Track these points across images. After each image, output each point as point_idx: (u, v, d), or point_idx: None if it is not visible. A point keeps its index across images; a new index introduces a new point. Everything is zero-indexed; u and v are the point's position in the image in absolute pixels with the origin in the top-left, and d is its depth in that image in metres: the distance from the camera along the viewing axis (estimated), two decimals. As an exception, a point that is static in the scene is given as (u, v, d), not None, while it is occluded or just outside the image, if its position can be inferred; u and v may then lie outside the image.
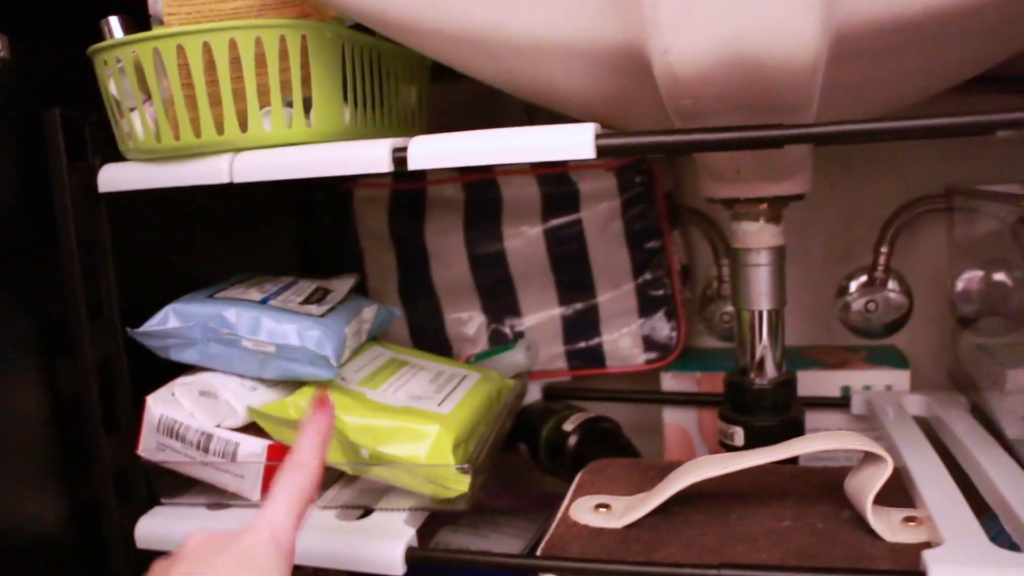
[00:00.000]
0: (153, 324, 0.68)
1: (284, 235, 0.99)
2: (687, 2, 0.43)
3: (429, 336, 1.01)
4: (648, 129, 0.53)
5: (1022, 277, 0.82)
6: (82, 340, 0.67)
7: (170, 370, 0.70)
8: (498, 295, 1.01)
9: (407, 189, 1.00)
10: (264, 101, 0.59)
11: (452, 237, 0.99)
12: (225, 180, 0.59)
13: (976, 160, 0.91)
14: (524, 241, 0.98)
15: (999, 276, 0.86)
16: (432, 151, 0.54)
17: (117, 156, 0.66)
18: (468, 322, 1.02)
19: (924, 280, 0.95)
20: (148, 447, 0.69)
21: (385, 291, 1.02)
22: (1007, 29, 0.55)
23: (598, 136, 0.51)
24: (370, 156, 0.55)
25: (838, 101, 0.58)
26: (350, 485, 0.69)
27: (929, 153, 0.92)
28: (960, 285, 0.90)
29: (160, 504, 0.71)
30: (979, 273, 0.89)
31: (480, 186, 0.98)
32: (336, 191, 1.03)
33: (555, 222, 0.97)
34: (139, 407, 0.69)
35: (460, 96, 0.91)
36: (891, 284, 0.95)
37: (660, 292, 0.97)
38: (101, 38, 0.64)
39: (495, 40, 0.53)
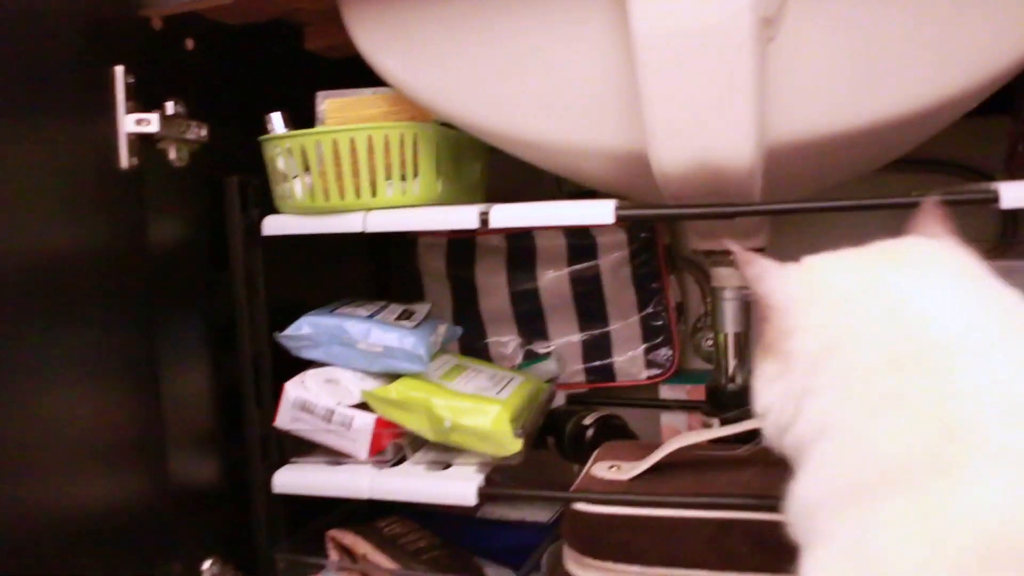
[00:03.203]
0: (292, 330, 0.95)
1: (364, 270, 1.27)
2: (672, 132, 0.71)
3: (476, 353, 1.28)
4: (649, 203, 0.81)
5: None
6: (242, 341, 0.94)
7: (299, 364, 0.97)
8: (531, 323, 1.28)
9: (461, 238, 1.28)
10: (387, 175, 0.87)
11: (496, 277, 1.26)
12: (359, 230, 0.86)
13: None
14: (553, 281, 1.25)
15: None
16: (504, 215, 0.82)
17: (272, 209, 0.93)
18: (506, 343, 1.29)
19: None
20: (284, 420, 0.95)
21: (441, 317, 1.30)
22: (905, 135, 0.82)
23: (617, 208, 0.78)
24: (463, 217, 0.83)
25: (787, 183, 0.85)
26: (433, 449, 0.95)
27: (868, 218, 1.19)
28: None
29: (290, 462, 0.97)
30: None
31: (519, 237, 1.25)
32: (404, 238, 1.30)
33: (577, 267, 1.24)
34: (278, 391, 0.96)
35: (507, 164, 1.19)
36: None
37: (660, 323, 1.24)
38: (265, 125, 0.92)
39: (542, 143, 0.81)
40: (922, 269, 0.54)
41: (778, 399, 0.55)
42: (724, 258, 0.98)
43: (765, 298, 0.57)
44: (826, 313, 0.54)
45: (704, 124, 0.71)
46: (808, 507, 0.51)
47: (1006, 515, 0.42)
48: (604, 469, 0.90)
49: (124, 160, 0.78)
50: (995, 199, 0.72)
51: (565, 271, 1.25)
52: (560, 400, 1.23)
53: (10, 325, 0.67)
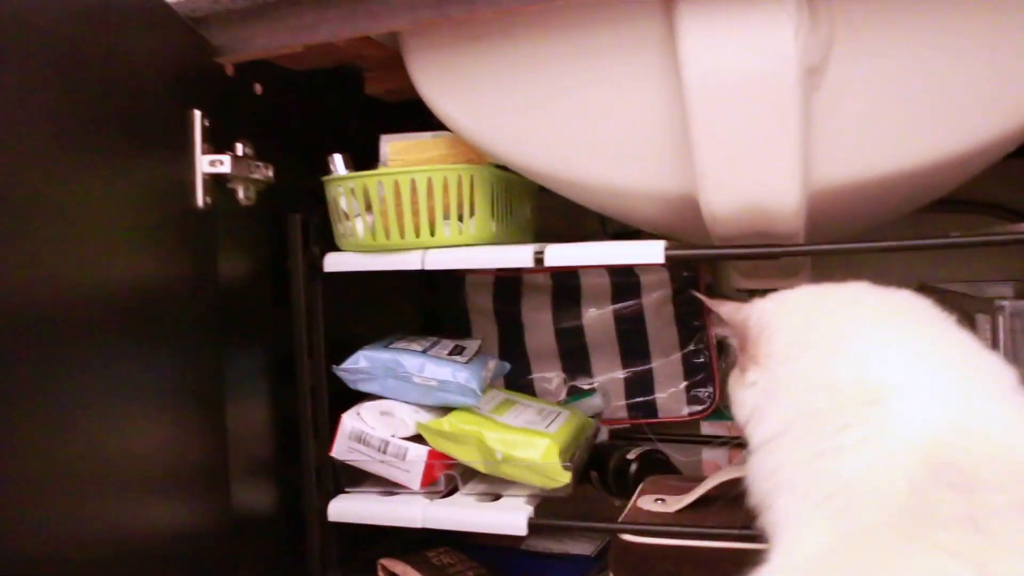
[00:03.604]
0: (349, 364, 0.99)
1: (414, 306, 1.31)
2: (721, 176, 0.75)
3: (521, 388, 1.31)
4: (695, 243, 0.85)
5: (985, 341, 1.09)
6: (301, 373, 0.98)
7: (354, 396, 1.00)
8: (575, 359, 1.31)
9: (508, 276, 1.32)
10: (445, 215, 0.90)
11: (542, 314, 1.30)
12: (418, 268, 0.90)
13: (945, 262, 1.20)
14: (597, 318, 1.28)
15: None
16: (558, 254, 0.85)
17: (332, 246, 0.97)
18: (551, 379, 1.32)
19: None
20: (340, 450, 0.99)
21: (489, 353, 1.33)
22: (946, 179, 0.85)
23: (667, 249, 0.82)
24: (518, 256, 0.86)
25: (830, 223, 0.88)
26: (483, 481, 0.98)
27: (904, 257, 1.21)
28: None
29: (344, 492, 1.00)
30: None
31: (565, 275, 1.29)
32: (453, 276, 1.34)
33: (621, 305, 1.27)
34: (334, 422, 0.99)
35: (553, 203, 1.23)
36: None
37: (701, 360, 1.27)
38: (326, 165, 0.96)
39: (595, 185, 0.85)
40: (873, 311, 0.66)
41: (757, 397, 0.65)
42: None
43: (744, 322, 0.68)
44: (792, 329, 0.66)
45: (752, 169, 0.75)
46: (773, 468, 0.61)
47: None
48: (650, 502, 0.93)
49: (200, 199, 0.83)
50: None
51: (609, 309, 1.28)
52: (603, 435, 1.26)
53: (93, 352, 0.70)
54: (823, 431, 0.58)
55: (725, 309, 0.71)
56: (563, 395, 1.31)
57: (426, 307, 1.34)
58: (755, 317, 0.68)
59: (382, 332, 1.09)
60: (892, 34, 0.73)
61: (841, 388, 0.59)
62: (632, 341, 1.28)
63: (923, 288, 1.20)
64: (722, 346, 1.29)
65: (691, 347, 1.27)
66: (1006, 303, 0.79)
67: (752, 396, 0.66)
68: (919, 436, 0.54)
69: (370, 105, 1.12)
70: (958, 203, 1.18)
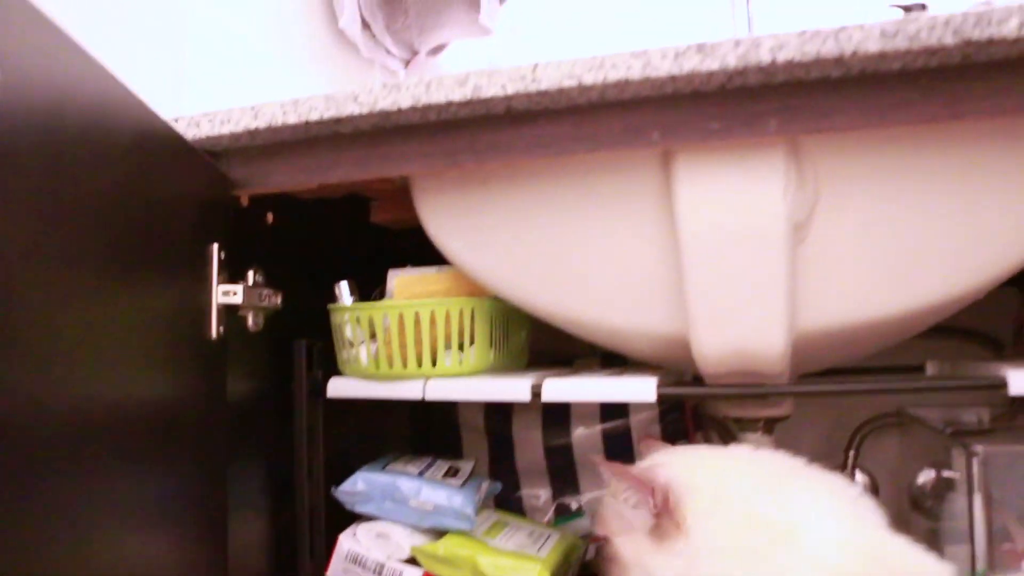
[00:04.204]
0: (347, 486, 1.01)
1: (405, 424, 1.34)
2: (712, 321, 0.79)
3: (509, 504, 1.33)
4: (685, 380, 0.89)
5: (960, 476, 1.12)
6: (300, 494, 1.00)
7: (350, 514, 1.03)
8: (563, 477, 1.33)
9: (499, 393, 1.35)
10: (446, 344, 0.94)
11: (532, 432, 1.33)
12: (419, 398, 0.93)
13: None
14: (585, 437, 1.31)
15: (945, 473, 1.17)
16: (555, 388, 0.89)
17: (334, 370, 1.01)
18: (539, 496, 1.34)
19: (886, 474, 1.26)
20: (336, 572, 1.00)
21: (478, 469, 1.35)
22: (926, 320, 0.89)
23: (659, 386, 0.85)
24: (515, 388, 0.90)
25: (815, 359, 0.93)
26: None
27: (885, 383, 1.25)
28: (917, 479, 1.20)
29: (338, 612, 1.02)
30: (929, 471, 1.19)
31: (555, 394, 1.32)
32: (446, 392, 1.37)
33: (610, 424, 1.31)
34: (330, 540, 1.01)
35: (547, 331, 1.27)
36: (859, 478, 1.26)
37: (687, 481, 1.29)
38: (331, 291, 1.00)
39: (589, 323, 0.89)
40: (763, 469, 0.79)
41: (682, 564, 0.74)
42: (752, 424, 1.05)
43: (667, 486, 0.77)
44: (710, 489, 0.77)
45: (741, 316, 0.79)
46: None
47: None
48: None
49: (214, 331, 0.86)
50: (1003, 385, 0.79)
51: (598, 428, 1.31)
52: (591, 553, 1.28)
53: (103, 470, 0.72)
54: (747, 565, 0.69)
55: (638, 475, 0.81)
56: (551, 512, 1.33)
57: (419, 422, 1.37)
58: (675, 480, 0.78)
59: (374, 444, 1.12)
60: (874, 192, 0.78)
61: (758, 528, 0.71)
62: (620, 460, 1.30)
63: (900, 415, 1.25)
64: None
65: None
66: (979, 448, 0.83)
67: (677, 563, 0.74)
68: (829, 562, 0.67)
69: (376, 232, 1.17)
70: (937, 330, 1.23)
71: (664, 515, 0.76)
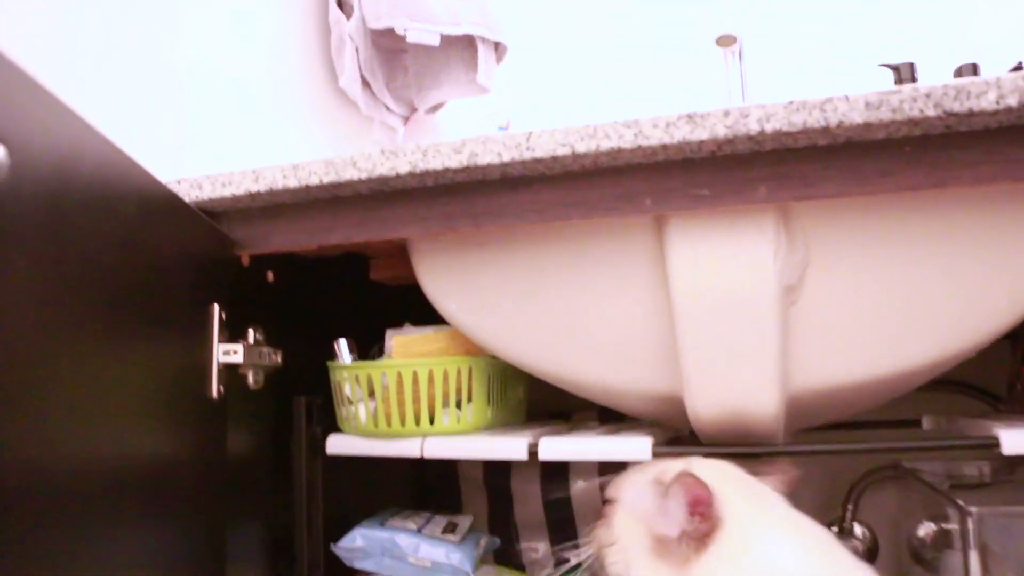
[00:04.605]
0: (346, 542, 1.02)
1: (405, 478, 1.34)
2: (705, 383, 0.80)
3: (508, 557, 1.34)
4: (679, 436, 0.90)
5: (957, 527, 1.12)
6: (300, 550, 1.01)
7: (347, 572, 1.03)
8: (563, 530, 1.34)
9: (498, 446, 1.36)
10: (444, 402, 0.95)
11: (532, 486, 1.33)
12: (417, 456, 0.94)
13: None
14: (584, 491, 1.32)
15: (944, 526, 1.17)
16: (551, 447, 0.90)
17: (333, 426, 1.02)
18: (538, 549, 1.34)
19: (885, 527, 1.26)
20: (334, 627, 1.01)
21: (477, 522, 1.36)
22: (919, 378, 0.90)
23: (654, 446, 0.86)
24: (512, 447, 0.91)
25: (809, 417, 0.94)
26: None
27: (878, 437, 1.26)
28: (917, 531, 1.20)
29: (336, 670, 1.02)
30: (928, 524, 1.19)
31: (554, 447, 1.33)
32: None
33: (608, 478, 1.30)
34: (328, 598, 1.02)
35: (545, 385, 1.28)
36: (858, 532, 1.26)
37: (685, 535, 1.29)
38: (330, 348, 1.02)
39: (584, 383, 0.91)
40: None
41: None
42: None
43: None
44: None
45: (734, 376, 0.81)
46: None
47: None
48: None
49: (214, 390, 0.87)
50: (995, 444, 0.80)
51: (596, 481, 1.32)
52: (590, 609, 1.28)
53: (100, 525, 0.73)
54: None
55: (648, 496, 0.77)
56: (550, 566, 1.33)
57: (419, 476, 1.37)
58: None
59: (374, 499, 1.12)
60: (864, 255, 0.80)
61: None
62: (618, 513, 1.32)
63: (897, 468, 1.25)
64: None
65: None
66: (974, 510, 0.84)
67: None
68: None
69: (374, 289, 1.19)
70: (932, 383, 1.23)
71: (703, 518, 0.70)
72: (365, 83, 1.58)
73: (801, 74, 1.62)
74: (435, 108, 1.77)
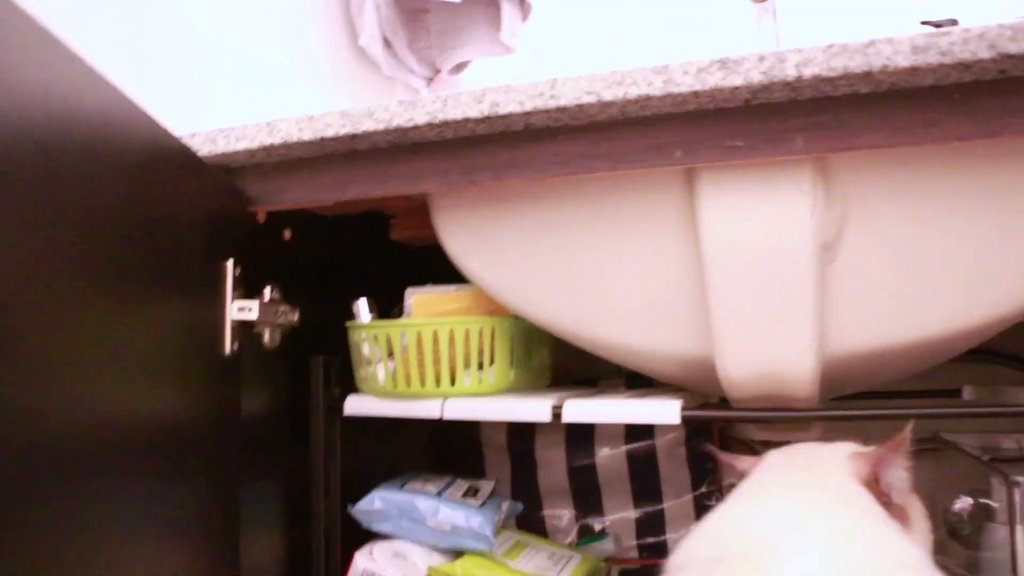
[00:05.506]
0: (364, 504, 1.00)
1: (425, 442, 1.32)
2: (738, 343, 0.77)
3: (531, 525, 1.31)
4: (711, 402, 0.86)
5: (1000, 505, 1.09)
6: (316, 512, 0.99)
7: (366, 532, 1.01)
8: (587, 497, 1.31)
9: (522, 411, 1.33)
10: (465, 364, 0.93)
11: (556, 452, 1.31)
12: (437, 417, 0.92)
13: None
14: (610, 458, 1.29)
15: (983, 501, 1.13)
16: (576, 409, 0.87)
17: (352, 387, 0.99)
18: (562, 517, 1.32)
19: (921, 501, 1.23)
20: (351, 592, 0.99)
21: (500, 488, 1.33)
22: (959, 345, 0.86)
23: (683, 409, 0.83)
24: (536, 409, 0.88)
25: (845, 382, 0.90)
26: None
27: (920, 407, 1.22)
28: (953, 506, 1.16)
29: (354, 635, 1.00)
30: (966, 498, 1.16)
31: (578, 413, 1.30)
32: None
33: (635, 445, 1.28)
34: (345, 558, 0.99)
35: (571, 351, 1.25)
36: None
37: (712, 502, 1.27)
38: (349, 308, 0.99)
39: (611, 344, 0.87)
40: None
41: None
42: (779, 448, 1.02)
43: None
44: None
45: (768, 338, 0.77)
46: None
47: None
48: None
49: (227, 347, 0.85)
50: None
51: (622, 449, 1.29)
52: (613, 574, 1.25)
53: (113, 485, 0.71)
54: None
55: (740, 464, 0.80)
56: (574, 533, 1.31)
57: (440, 440, 1.35)
58: None
59: (394, 463, 1.10)
60: (906, 212, 0.76)
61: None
62: (644, 481, 1.29)
63: (935, 440, 1.21)
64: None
65: (703, 489, 1.27)
66: (1022, 480, 0.80)
67: None
68: None
69: (395, 249, 1.16)
70: (973, 353, 1.19)
71: None
72: (387, 44, 1.54)
73: (837, 34, 1.56)
74: (459, 68, 1.73)
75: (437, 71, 1.68)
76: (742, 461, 0.82)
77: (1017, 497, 0.84)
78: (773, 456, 0.80)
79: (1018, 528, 0.86)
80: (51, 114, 0.59)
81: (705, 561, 0.66)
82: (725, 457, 0.84)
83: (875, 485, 0.73)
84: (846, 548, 0.62)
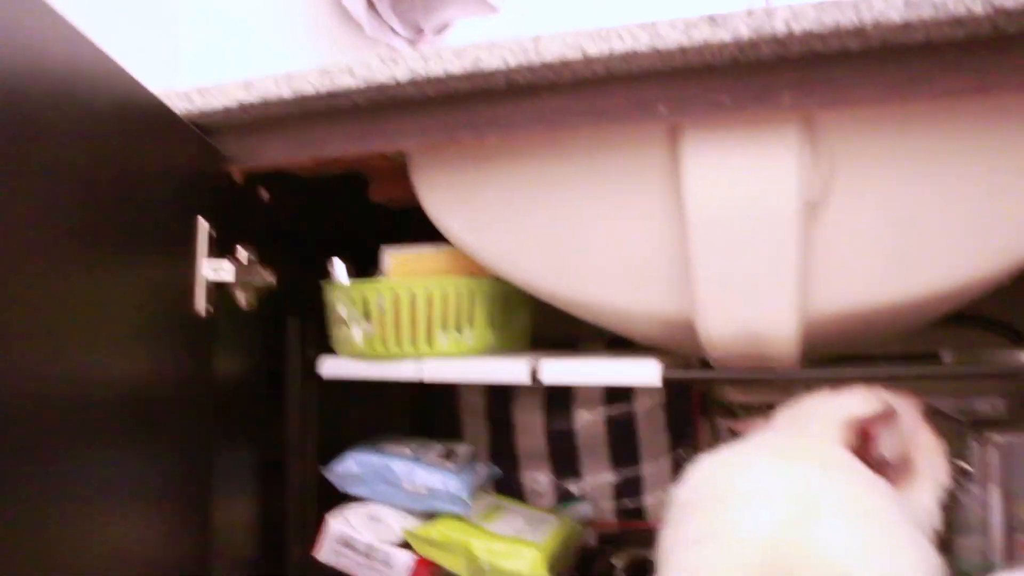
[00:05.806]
0: (339, 466, 0.99)
1: (406, 402, 1.31)
2: (720, 303, 0.76)
3: (510, 489, 1.30)
4: (691, 363, 0.85)
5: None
6: (291, 475, 0.97)
7: (341, 494, 1.00)
8: (565, 461, 1.30)
9: (501, 375, 1.32)
10: (443, 325, 0.91)
11: (533, 416, 1.30)
12: (415, 379, 0.91)
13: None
14: (588, 422, 1.28)
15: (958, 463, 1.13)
16: (555, 370, 0.86)
17: (328, 349, 0.98)
18: (540, 480, 1.31)
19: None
20: (326, 554, 0.98)
21: (478, 453, 1.32)
22: (943, 306, 0.86)
23: (664, 370, 0.82)
24: (514, 370, 0.87)
25: (827, 343, 0.89)
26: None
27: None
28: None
29: (329, 597, 0.99)
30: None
31: (557, 377, 1.29)
32: (446, 373, 1.35)
33: (613, 409, 1.28)
34: (320, 521, 0.98)
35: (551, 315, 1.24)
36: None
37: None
38: (326, 269, 0.97)
39: (592, 304, 0.86)
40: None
41: None
42: (760, 411, 1.02)
43: None
44: None
45: (750, 297, 0.76)
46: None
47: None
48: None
49: (200, 307, 0.83)
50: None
51: (601, 412, 1.28)
52: (591, 538, 1.25)
53: (83, 446, 0.69)
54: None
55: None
56: (552, 496, 1.30)
57: (417, 404, 1.34)
58: None
59: (371, 427, 1.09)
60: (894, 171, 0.75)
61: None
62: (623, 445, 1.28)
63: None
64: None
65: (680, 452, 1.27)
66: (999, 438, 0.80)
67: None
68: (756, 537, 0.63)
69: (373, 210, 1.14)
70: (953, 318, 1.19)
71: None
72: (370, 4, 1.51)
73: None
74: (442, 29, 1.70)
75: (420, 32, 1.65)
76: (752, 426, 0.84)
77: (994, 456, 0.84)
78: (779, 417, 0.81)
79: (992, 487, 0.87)
80: (14, 61, 0.56)
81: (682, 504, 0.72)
82: (740, 425, 0.85)
83: (864, 450, 0.72)
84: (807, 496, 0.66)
